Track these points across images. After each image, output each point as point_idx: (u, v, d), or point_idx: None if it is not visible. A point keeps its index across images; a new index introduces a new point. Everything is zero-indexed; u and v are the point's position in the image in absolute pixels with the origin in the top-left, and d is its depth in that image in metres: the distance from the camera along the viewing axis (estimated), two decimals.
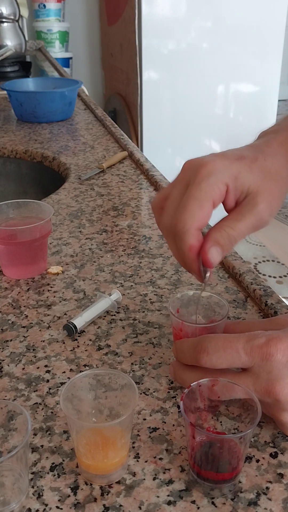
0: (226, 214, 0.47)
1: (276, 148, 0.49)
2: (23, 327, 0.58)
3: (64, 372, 0.51)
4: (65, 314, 0.60)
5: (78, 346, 0.55)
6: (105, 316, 0.60)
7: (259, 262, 2.45)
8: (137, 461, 0.41)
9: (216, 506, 0.38)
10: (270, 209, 0.46)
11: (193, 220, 0.44)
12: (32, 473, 0.41)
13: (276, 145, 0.49)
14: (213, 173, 0.44)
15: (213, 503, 0.38)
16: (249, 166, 0.46)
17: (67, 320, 0.59)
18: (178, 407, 0.47)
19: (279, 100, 2.67)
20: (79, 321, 0.57)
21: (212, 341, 0.43)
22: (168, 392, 0.49)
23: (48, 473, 0.41)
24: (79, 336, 0.56)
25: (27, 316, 0.60)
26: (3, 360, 0.53)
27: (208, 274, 0.46)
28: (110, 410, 0.42)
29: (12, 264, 0.68)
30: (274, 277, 2.32)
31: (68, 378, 0.50)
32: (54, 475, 0.40)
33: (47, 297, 0.64)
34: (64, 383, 0.50)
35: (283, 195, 0.48)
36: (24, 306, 0.62)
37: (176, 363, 0.47)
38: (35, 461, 0.42)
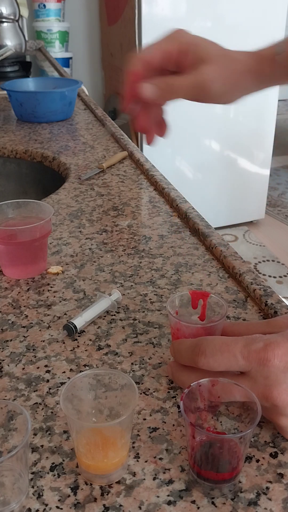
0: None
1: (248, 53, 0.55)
2: (23, 327, 0.58)
3: (64, 372, 0.51)
4: (65, 314, 0.60)
5: (78, 346, 0.55)
6: (105, 316, 0.60)
7: (259, 262, 2.45)
8: (137, 461, 0.41)
9: (216, 506, 0.38)
10: (217, 77, 0.51)
11: (140, 53, 0.51)
12: (32, 473, 0.41)
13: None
14: (180, 33, 0.52)
15: (213, 503, 0.38)
16: (215, 46, 0.53)
17: (67, 320, 0.59)
18: (178, 407, 0.47)
19: (279, 100, 2.67)
20: (79, 321, 0.57)
21: (210, 343, 0.42)
22: (168, 392, 0.49)
23: (48, 473, 0.41)
24: (79, 336, 0.56)
25: (27, 316, 0.60)
26: (3, 360, 0.53)
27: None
28: (110, 410, 0.42)
29: (12, 264, 0.68)
30: (274, 277, 2.33)
31: (68, 378, 0.50)
32: (54, 475, 0.40)
33: (47, 297, 0.64)
34: (64, 383, 0.50)
35: (236, 75, 0.53)
36: (24, 306, 0.62)
37: (173, 363, 0.47)
38: (35, 461, 0.42)
